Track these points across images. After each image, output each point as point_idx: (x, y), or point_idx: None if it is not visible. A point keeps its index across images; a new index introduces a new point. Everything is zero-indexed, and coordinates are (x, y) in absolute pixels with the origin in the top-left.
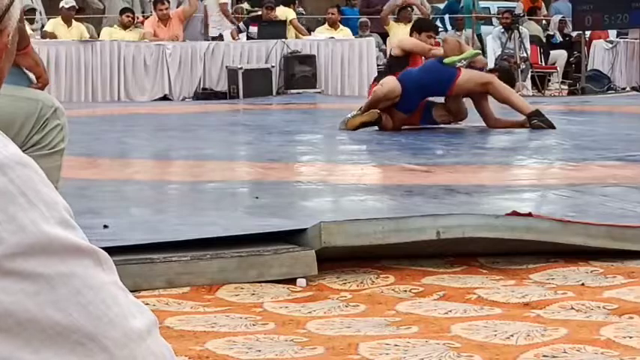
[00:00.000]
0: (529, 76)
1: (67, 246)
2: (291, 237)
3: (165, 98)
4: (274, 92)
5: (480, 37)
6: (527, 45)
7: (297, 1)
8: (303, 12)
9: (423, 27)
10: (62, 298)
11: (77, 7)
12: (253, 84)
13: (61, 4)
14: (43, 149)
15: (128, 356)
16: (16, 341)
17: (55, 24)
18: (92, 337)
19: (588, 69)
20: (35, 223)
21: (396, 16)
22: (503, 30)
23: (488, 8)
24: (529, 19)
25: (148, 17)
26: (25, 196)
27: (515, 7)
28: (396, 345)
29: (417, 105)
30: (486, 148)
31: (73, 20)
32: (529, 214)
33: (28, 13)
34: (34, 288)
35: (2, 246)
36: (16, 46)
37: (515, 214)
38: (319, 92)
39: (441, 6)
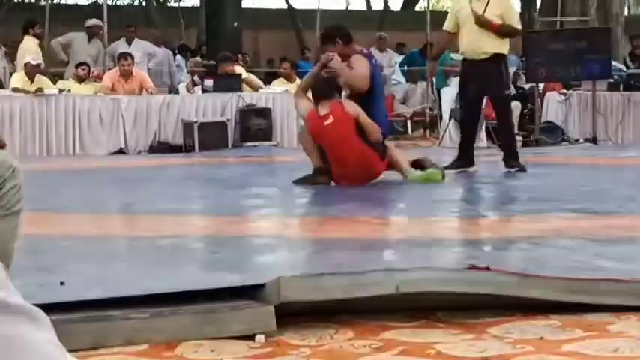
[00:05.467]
0: (483, 128)
1: (2, 306)
2: (249, 292)
3: (120, 152)
4: (230, 145)
5: (439, 91)
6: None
7: (241, 56)
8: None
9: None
10: None
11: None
12: (209, 137)
13: (28, 59)
14: (0, 210)
15: None
16: None
17: (18, 78)
18: None
19: (542, 121)
20: None
21: None
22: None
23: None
24: None
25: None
26: None
27: None
28: None
29: None
30: (441, 201)
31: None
32: (487, 268)
33: None
34: None
35: None
36: None
37: (473, 267)
38: (274, 145)
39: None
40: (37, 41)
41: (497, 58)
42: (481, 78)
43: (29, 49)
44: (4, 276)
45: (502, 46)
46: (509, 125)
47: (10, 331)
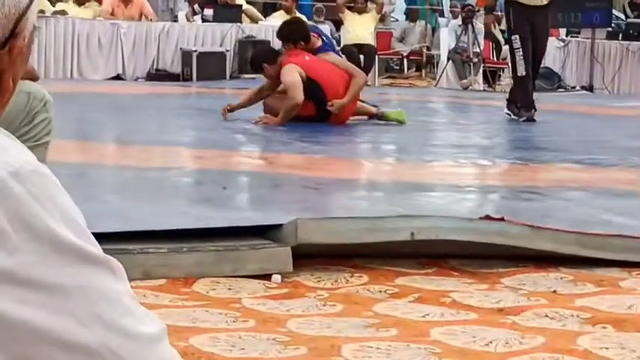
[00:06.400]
0: (481, 70)
1: (83, 255)
2: (266, 232)
3: (118, 77)
4: (228, 76)
5: (434, 29)
6: (481, 40)
7: None
8: None
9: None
10: (78, 308)
11: None
12: (207, 67)
13: None
14: (29, 141)
15: None
16: (32, 351)
17: None
18: (107, 347)
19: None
20: (51, 232)
21: (351, 5)
22: (460, 23)
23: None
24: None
25: None
26: (41, 206)
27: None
28: (379, 348)
29: None
30: (437, 146)
31: None
32: (502, 219)
33: None
34: (50, 298)
35: (18, 255)
36: None
37: (488, 218)
38: None
39: None
40: None
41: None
42: (545, 24)
43: None
44: (84, 224)
45: None
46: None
47: (92, 282)
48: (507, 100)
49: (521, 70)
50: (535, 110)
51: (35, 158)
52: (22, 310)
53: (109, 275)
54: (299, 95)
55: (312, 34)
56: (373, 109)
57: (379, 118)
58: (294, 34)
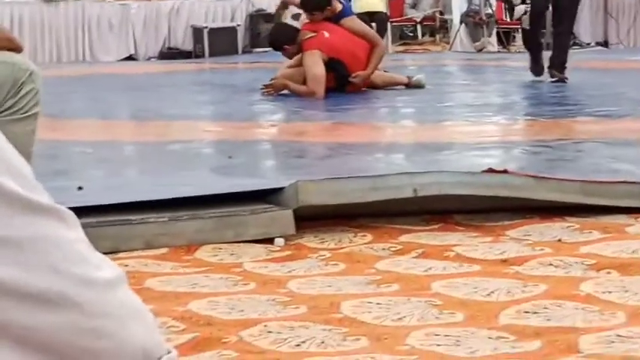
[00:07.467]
0: (494, 32)
1: (30, 206)
2: (267, 196)
3: (130, 58)
4: (240, 51)
5: None
6: (493, 1)
7: None
8: None
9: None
10: (30, 259)
11: None
12: (219, 43)
13: None
14: (17, 113)
15: (100, 311)
16: None
17: None
18: (63, 295)
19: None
20: None
21: None
22: None
23: None
24: None
25: None
26: None
27: None
28: (378, 303)
29: None
30: (451, 106)
31: None
32: (504, 171)
33: None
34: (2, 252)
35: None
36: None
37: (491, 170)
38: None
39: None
40: None
41: None
42: None
43: None
44: (31, 175)
45: None
46: None
47: (42, 231)
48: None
49: (526, 24)
50: (542, 68)
51: None
52: None
53: (59, 224)
54: (320, 91)
55: None
56: (404, 79)
57: (411, 87)
58: (321, 2)
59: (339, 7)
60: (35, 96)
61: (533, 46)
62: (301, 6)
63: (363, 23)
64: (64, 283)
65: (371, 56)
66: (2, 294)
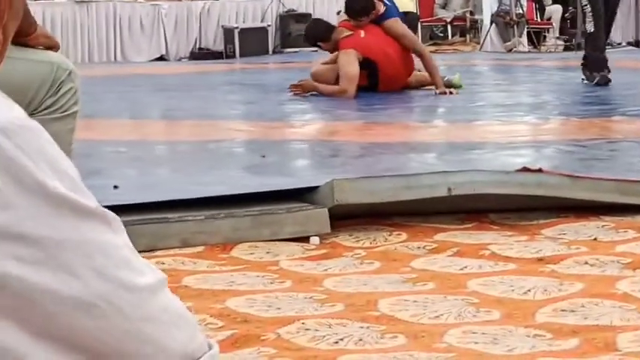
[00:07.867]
0: (525, 32)
1: (76, 209)
2: (303, 195)
3: (161, 58)
4: (270, 51)
5: None
6: (524, 1)
7: None
8: None
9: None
10: (74, 262)
11: None
12: (249, 43)
13: None
14: (56, 112)
15: (142, 315)
16: (30, 308)
17: None
18: (106, 299)
19: None
20: (42, 186)
21: None
22: None
23: None
24: None
25: None
26: (31, 159)
27: None
28: (415, 301)
29: None
30: (482, 106)
31: None
32: (539, 170)
33: None
34: (45, 253)
35: (10, 210)
36: (23, 32)
37: (525, 169)
38: (315, 51)
39: None
40: None
41: None
42: None
43: None
44: (78, 177)
45: None
46: None
47: (88, 235)
48: (582, 64)
49: (590, 27)
50: (609, 70)
51: (25, 114)
52: (19, 266)
53: (104, 228)
54: (351, 90)
55: None
56: (440, 81)
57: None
58: (366, 8)
59: (382, 9)
60: (74, 95)
61: (601, 47)
62: (347, 12)
63: (405, 27)
64: (107, 287)
65: (427, 68)
66: (44, 298)
